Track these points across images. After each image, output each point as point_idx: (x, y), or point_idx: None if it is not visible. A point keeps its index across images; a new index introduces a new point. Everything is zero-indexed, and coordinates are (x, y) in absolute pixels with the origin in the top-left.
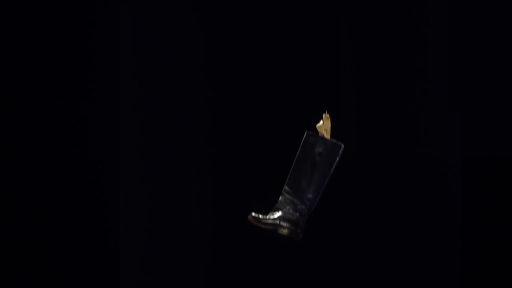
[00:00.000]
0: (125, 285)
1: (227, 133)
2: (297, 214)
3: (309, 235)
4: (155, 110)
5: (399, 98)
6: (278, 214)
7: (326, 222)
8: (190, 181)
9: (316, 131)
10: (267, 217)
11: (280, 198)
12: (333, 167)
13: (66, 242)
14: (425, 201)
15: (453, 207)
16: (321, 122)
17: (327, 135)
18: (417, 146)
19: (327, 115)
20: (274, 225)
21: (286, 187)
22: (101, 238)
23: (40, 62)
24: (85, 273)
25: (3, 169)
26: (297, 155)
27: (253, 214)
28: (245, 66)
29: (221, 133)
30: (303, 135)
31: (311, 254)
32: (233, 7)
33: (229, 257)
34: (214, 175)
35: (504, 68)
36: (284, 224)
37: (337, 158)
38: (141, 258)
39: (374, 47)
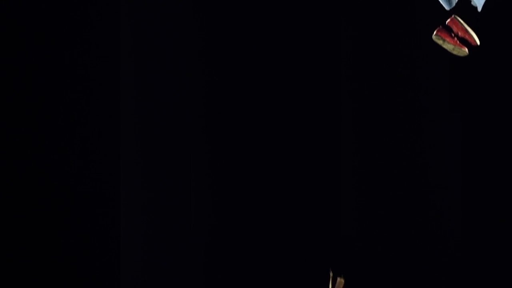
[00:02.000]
0: (125, 285)
1: (227, 133)
2: None
3: None
4: (155, 110)
5: (397, 98)
6: None
7: None
8: (190, 182)
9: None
10: None
11: None
12: None
13: (66, 242)
14: (425, 204)
15: (453, 211)
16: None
17: None
18: (416, 148)
19: (342, 279)
20: None
21: None
22: (101, 238)
23: (39, 61)
24: (85, 273)
25: (3, 169)
26: None
27: None
28: (246, 66)
29: (221, 133)
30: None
31: None
32: (234, 6)
33: (229, 258)
34: (214, 175)
35: (504, 68)
36: None
37: None
38: (141, 259)
39: (372, 48)
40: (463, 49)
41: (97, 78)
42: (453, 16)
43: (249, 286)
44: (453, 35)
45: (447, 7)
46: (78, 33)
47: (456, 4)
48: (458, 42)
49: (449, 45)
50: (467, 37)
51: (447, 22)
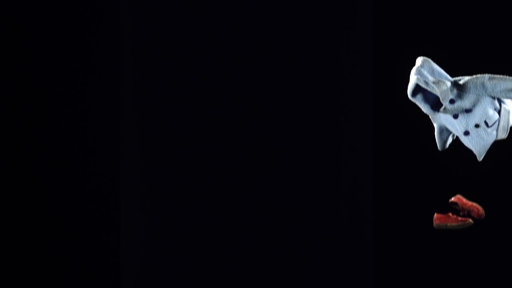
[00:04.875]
0: (125, 286)
1: (227, 133)
2: None
3: None
4: (155, 110)
5: None
6: None
7: None
8: (191, 181)
9: None
10: None
11: None
12: None
13: (65, 242)
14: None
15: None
16: None
17: None
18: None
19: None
20: None
21: None
22: (101, 240)
23: (39, 61)
24: (85, 274)
25: (2, 169)
26: None
27: None
28: (247, 66)
29: (222, 132)
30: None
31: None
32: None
33: (230, 257)
34: (215, 175)
35: None
36: None
37: None
38: (141, 260)
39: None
40: (467, 221)
41: (97, 77)
42: (457, 195)
43: (250, 286)
44: (451, 214)
45: (440, 147)
46: (77, 32)
47: (450, 145)
48: (460, 219)
49: (453, 225)
50: (471, 208)
51: (450, 200)
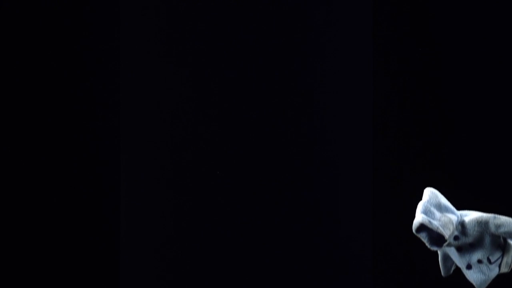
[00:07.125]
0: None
1: (228, 133)
2: None
3: None
4: (155, 110)
5: None
6: None
7: None
8: (192, 182)
9: None
10: None
11: None
12: None
13: (65, 243)
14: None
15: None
16: None
17: None
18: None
19: None
20: None
21: None
22: (100, 242)
23: (39, 61)
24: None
25: (2, 169)
26: None
27: None
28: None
29: (222, 132)
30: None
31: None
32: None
33: (230, 257)
34: (213, 175)
35: None
36: None
37: None
38: (141, 261)
39: None
40: None
41: (97, 77)
42: None
43: (250, 287)
44: None
45: (444, 274)
46: (78, 32)
47: (454, 271)
48: None
49: None
50: None
51: None
